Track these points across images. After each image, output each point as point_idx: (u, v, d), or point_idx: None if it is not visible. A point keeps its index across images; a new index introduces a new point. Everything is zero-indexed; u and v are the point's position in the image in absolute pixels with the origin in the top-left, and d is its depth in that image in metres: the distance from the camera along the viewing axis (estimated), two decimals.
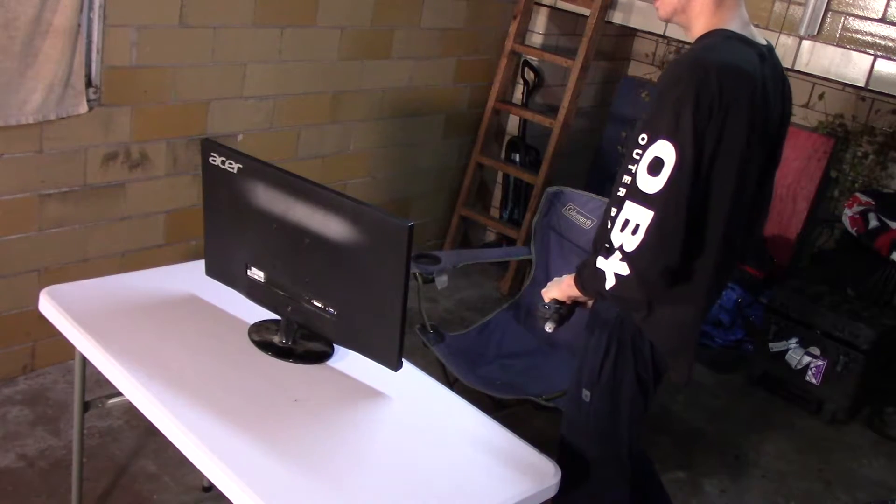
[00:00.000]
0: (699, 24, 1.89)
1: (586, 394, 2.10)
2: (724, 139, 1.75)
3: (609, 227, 1.80)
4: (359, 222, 1.87)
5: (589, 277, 1.91)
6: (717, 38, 1.83)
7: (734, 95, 1.74)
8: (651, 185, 1.71)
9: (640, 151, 1.74)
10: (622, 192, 1.77)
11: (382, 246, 1.85)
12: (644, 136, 1.74)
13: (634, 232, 1.73)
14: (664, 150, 1.70)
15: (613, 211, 1.79)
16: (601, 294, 1.90)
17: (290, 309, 2.06)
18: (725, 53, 1.78)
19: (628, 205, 1.75)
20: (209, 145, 2.06)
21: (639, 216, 1.73)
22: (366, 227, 1.86)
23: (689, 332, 1.98)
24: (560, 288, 2.08)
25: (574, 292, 2.03)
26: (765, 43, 1.92)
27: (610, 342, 2.05)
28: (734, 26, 1.87)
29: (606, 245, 1.81)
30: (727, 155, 1.77)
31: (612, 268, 1.79)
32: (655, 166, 1.71)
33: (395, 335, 1.90)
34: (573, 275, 2.02)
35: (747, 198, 1.90)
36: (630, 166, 1.76)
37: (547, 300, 2.11)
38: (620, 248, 1.76)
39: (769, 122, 1.90)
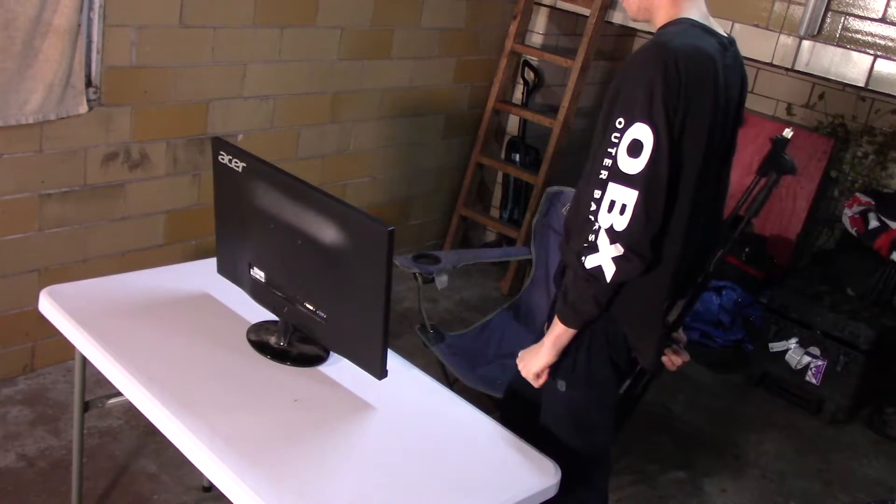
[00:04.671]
0: (660, 16, 1.98)
1: (561, 384, 2.11)
2: (691, 121, 1.83)
3: (594, 209, 1.84)
4: (343, 225, 1.84)
5: (580, 295, 1.90)
6: (681, 27, 1.92)
7: (698, 79, 1.83)
8: (632, 166, 1.79)
9: (618, 135, 1.81)
10: (604, 174, 1.83)
11: (365, 250, 1.82)
12: (621, 119, 1.81)
13: (622, 212, 1.80)
14: (642, 132, 1.78)
15: (597, 193, 1.83)
16: (595, 300, 1.90)
17: (286, 310, 2.06)
18: (689, 39, 1.88)
19: (612, 186, 1.81)
20: (219, 144, 2.06)
21: (624, 196, 1.80)
22: (349, 229, 1.84)
23: (655, 314, 2.00)
24: (541, 353, 2.03)
25: (562, 340, 2.01)
26: (725, 34, 2.01)
27: (583, 331, 2.05)
28: (694, 15, 1.96)
29: (588, 241, 1.84)
30: (694, 137, 1.85)
31: (607, 255, 1.83)
32: (635, 148, 1.79)
33: (378, 343, 1.87)
34: (548, 336, 2.00)
35: (711, 180, 1.98)
36: (609, 149, 1.82)
37: (535, 373, 2.05)
38: (610, 230, 1.81)
39: (728, 107, 1.98)
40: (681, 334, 2.23)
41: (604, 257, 1.83)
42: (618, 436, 2.46)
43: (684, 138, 1.84)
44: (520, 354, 2.10)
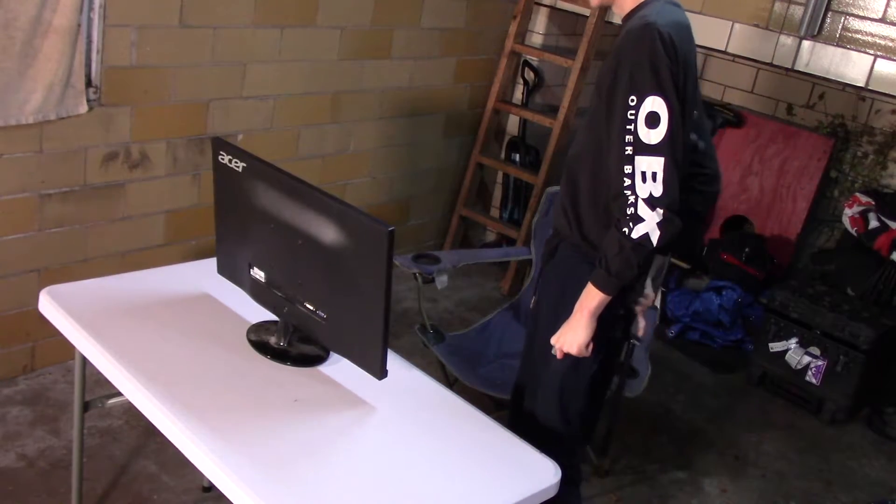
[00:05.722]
0: None
1: (556, 349, 2.18)
2: (685, 87, 1.99)
3: (629, 183, 1.94)
4: (343, 225, 1.84)
5: (626, 264, 2.00)
6: (657, 5, 2.04)
7: (686, 50, 2.00)
8: (653, 136, 1.92)
9: (633, 112, 1.93)
10: (629, 150, 1.94)
11: (365, 250, 1.82)
12: (633, 97, 1.93)
13: (654, 179, 1.92)
14: (656, 104, 1.91)
15: (627, 168, 1.94)
16: (639, 266, 2.01)
17: (286, 310, 2.06)
18: (671, 16, 2.01)
19: (639, 159, 1.93)
20: (219, 143, 2.06)
21: (653, 165, 1.93)
22: (349, 230, 1.84)
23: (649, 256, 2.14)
24: (581, 325, 2.10)
25: (601, 308, 2.08)
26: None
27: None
28: None
29: (628, 213, 1.95)
30: (688, 101, 2.01)
31: (652, 221, 1.94)
32: (652, 120, 1.92)
33: (378, 342, 1.87)
34: (585, 308, 2.08)
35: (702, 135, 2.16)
36: (628, 126, 1.94)
37: (578, 349, 2.12)
38: (649, 198, 1.93)
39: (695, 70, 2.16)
40: (650, 292, 2.32)
41: (649, 225, 1.94)
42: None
43: (685, 103, 1.98)
44: (554, 339, 2.15)
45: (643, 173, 1.93)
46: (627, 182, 1.94)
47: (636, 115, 1.92)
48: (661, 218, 1.93)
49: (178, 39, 3.11)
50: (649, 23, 1.93)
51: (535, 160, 4.58)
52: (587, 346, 2.11)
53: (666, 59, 1.90)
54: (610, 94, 1.97)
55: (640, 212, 1.93)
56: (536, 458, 1.86)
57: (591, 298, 2.06)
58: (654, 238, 1.95)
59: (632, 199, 1.94)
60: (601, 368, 2.35)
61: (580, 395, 2.27)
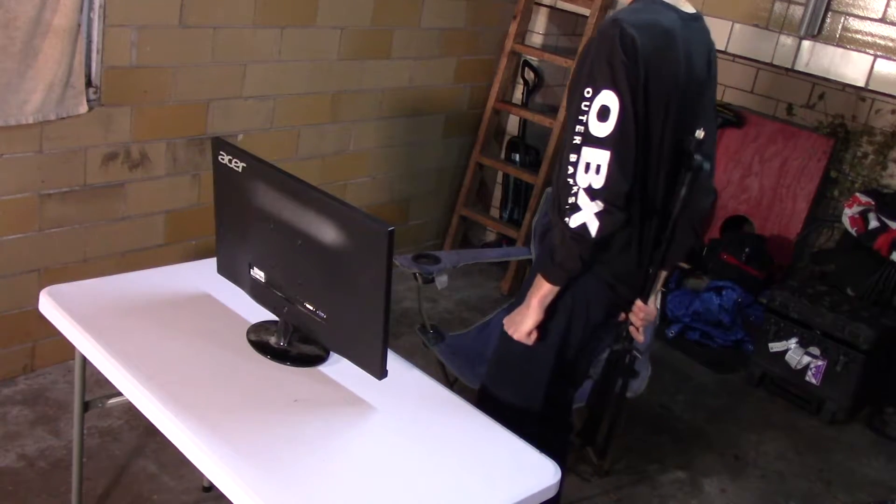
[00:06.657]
0: None
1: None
2: (651, 88, 1.99)
3: (572, 171, 1.98)
4: (343, 225, 1.84)
5: (568, 254, 2.02)
6: (640, 4, 2.08)
7: (654, 50, 1.97)
8: (602, 129, 1.95)
9: (587, 104, 1.96)
10: (578, 139, 1.97)
11: (364, 250, 1.82)
12: (589, 89, 1.96)
13: (598, 171, 1.95)
14: (608, 98, 1.94)
15: (573, 157, 1.98)
16: (581, 258, 2.03)
17: (286, 310, 2.06)
18: (643, 14, 2.02)
19: (586, 150, 1.96)
20: (218, 143, 2.06)
21: (598, 157, 1.95)
22: (349, 229, 1.84)
23: (639, 266, 2.17)
24: (527, 313, 2.15)
25: (548, 298, 2.12)
26: (693, 11, 2.15)
27: (565, 299, 2.17)
28: None
29: (570, 203, 1.98)
30: (655, 104, 2.00)
31: (590, 211, 1.96)
32: (603, 113, 1.94)
33: (378, 342, 1.87)
34: (534, 297, 2.13)
35: (671, 143, 2.12)
36: (581, 117, 1.97)
37: (519, 335, 2.17)
38: (589, 189, 1.96)
39: (693, 75, 2.10)
40: (652, 307, 2.31)
41: (587, 214, 1.96)
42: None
43: (648, 104, 1.98)
44: (505, 319, 2.21)
45: (587, 164, 1.95)
46: (571, 171, 1.97)
47: (590, 106, 1.95)
48: (601, 209, 1.95)
49: (178, 39, 3.11)
50: (617, 20, 1.96)
51: (535, 160, 4.58)
52: (529, 333, 2.15)
53: (622, 55, 1.92)
54: (574, 86, 2.02)
55: (579, 201, 1.96)
56: (536, 458, 1.86)
57: (538, 287, 2.11)
58: (593, 229, 1.96)
59: (574, 188, 1.97)
60: (605, 375, 2.33)
61: (540, 385, 2.30)
